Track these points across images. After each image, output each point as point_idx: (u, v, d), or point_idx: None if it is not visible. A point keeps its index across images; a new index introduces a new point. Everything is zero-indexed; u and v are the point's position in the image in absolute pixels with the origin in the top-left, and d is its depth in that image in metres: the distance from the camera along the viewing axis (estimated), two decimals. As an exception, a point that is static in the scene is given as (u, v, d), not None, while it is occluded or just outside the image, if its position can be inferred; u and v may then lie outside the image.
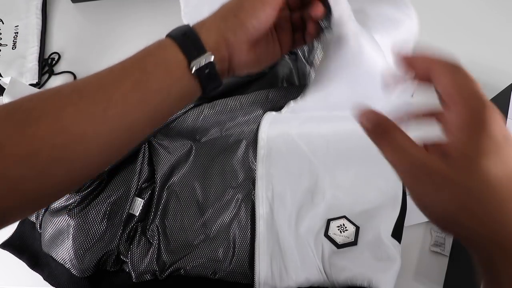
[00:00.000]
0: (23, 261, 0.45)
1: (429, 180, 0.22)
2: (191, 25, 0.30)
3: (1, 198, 0.23)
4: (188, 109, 0.51)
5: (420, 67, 0.25)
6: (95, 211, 0.44)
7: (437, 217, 0.23)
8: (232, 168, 0.50)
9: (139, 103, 0.27)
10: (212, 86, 0.30)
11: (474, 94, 0.22)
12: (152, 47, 0.29)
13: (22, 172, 0.23)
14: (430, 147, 0.25)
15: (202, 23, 0.30)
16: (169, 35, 0.29)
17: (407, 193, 0.44)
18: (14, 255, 0.46)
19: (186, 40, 0.28)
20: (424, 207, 0.24)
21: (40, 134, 0.24)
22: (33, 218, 0.47)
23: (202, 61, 0.28)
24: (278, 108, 0.50)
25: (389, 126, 0.24)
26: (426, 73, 0.24)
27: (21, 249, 0.46)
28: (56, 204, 0.45)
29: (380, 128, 0.25)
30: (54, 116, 0.24)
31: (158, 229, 0.46)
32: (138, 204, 0.47)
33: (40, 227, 0.46)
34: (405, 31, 0.42)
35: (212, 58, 0.28)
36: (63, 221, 0.44)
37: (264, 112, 0.50)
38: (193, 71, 0.28)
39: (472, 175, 0.21)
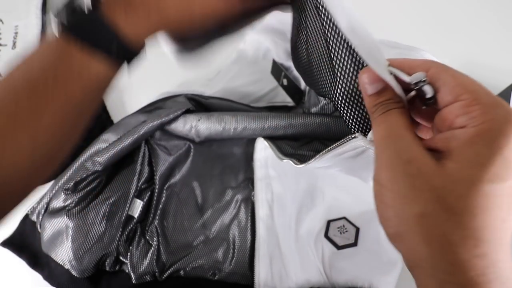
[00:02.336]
0: (23, 260, 0.45)
1: (410, 179, 0.19)
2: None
3: None
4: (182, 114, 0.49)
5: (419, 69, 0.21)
6: (94, 212, 0.44)
7: (393, 222, 0.20)
8: (231, 169, 0.50)
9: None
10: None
11: (497, 102, 0.18)
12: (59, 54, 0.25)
13: None
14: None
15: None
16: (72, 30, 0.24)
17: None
18: (15, 253, 0.46)
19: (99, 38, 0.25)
20: (384, 204, 0.21)
21: None
22: (33, 218, 0.47)
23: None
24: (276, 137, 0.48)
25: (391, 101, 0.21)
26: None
27: (21, 248, 0.46)
28: (55, 205, 0.45)
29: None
30: None
31: (157, 230, 0.46)
32: (137, 206, 0.47)
33: (40, 227, 0.46)
34: None
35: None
36: (61, 222, 0.44)
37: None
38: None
39: (466, 203, 0.17)
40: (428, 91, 0.20)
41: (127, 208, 0.46)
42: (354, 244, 0.43)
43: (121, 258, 0.45)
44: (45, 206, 0.47)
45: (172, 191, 0.49)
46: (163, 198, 0.48)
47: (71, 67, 0.24)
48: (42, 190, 0.47)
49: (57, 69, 0.24)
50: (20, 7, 0.66)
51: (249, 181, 0.48)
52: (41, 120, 0.24)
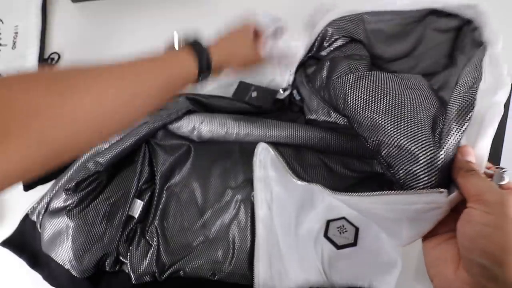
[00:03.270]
0: (23, 260, 0.46)
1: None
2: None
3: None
4: (187, 116, 0.49)
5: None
6: (94, 212, 0.44)
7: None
8: (231, 169, 0.50)
9: (161, 87, 0.34)
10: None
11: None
12: (177, 55, 0.38)
13: (59, 135, 0.25)
14: None
15: (216, 50, 0.41)
16: (191, 48, 0.39)
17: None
18: (15, 253, 0.46)
19: (202, 58, 0.39)
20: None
21: (82, 106, 0.26)
22: (34, 218, 0.47)
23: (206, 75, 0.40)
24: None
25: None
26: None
27: (21, 248, 0.46)
28: (55, 205, 0.45)
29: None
30: (97, 93, 0.27)
31: (157, 231, 0.46)
32: (138, 206, 0.47)
33: (40, 227, 0.46)
34: None
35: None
36: (62, 222, 0.44)
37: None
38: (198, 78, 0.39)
39: None
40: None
41: (127, 209, 0.46)
42: (354, 244, 0.43)
43: (121, 258, 0.45)
44: (46, 206, 0.47)
45: (172, 192, 0.49)
46: (163, 199, 0.48)
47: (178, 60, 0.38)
48: (43, 190, 0.48)
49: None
50: (20, 7, 0.66)
51: (249, 182, 0.48)
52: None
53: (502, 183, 0.26)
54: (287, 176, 0.45)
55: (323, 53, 0.48)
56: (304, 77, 0.51)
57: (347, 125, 0.43)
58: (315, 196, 0.46)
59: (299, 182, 0.43)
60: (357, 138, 0.45)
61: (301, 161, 0.47)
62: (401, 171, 0.31)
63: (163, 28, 0.49)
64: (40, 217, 0.46)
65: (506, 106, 0.45)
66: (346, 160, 0.47)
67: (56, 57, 0.63)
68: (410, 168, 0.30)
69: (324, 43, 0.47)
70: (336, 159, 0.47)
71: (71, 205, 0.44)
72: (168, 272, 0.44)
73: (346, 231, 0.43)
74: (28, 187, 0.53)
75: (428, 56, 0.45)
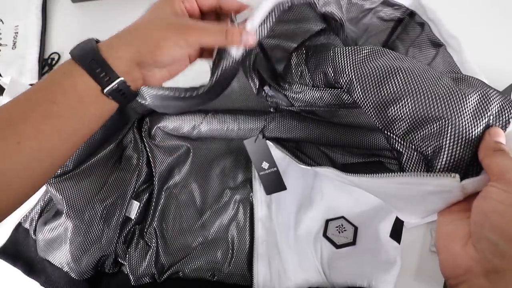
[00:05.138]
0: (18, 268, 0.45)
1: None
2: (94, 43, 0.30)
3: None
4: (186, 116, 0.49)
5: None
6: (91, 213, 0.44)
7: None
8: (230, 170, 0.50)
9: (54, 133, 0.27)
10: (127, 101, 0.31)
11: None
12: (56, 76, 0.29)
13: None
14: None
15: (110, 47, 0.29)
16: (75, 59, 0.28)
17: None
18: (9, 263, 0.46)
19: (95, 66, 0.28)
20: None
21: None
22: (26, 225, 0.48)
23: (115, 86, 0.29)
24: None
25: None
26: None
27: (15, 257, 0.46)
28: (52, 208, 0.45)
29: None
30: None
31: (156, 232, 0.46)
32: (135, 208, 0.47)
33: (35, 233, 0.46)
34: None
35: (124, 81, 0.29)
36: (59, 225, 0.44)
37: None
38: (106, 93, 0.29)
39: None
40: None
41: (124, 210, 0.46)
42: (353, 243, 0.43)
43: (119, 260, 0.45)
44: (40, 211, 0.47)
45: (171, 193, 0.49)
46: (162, 200, 0.48)
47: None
48: (34, 198, 0.48)
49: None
50: (20, 7, 0.66)
51: (248, 182, 0.48)
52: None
53: None
54: (291, 167, 0.44)
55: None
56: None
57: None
58: (314, 195, 0.46)
59: (308, 167, 0.40)
60: (356, 130, 0.46)
61: (303, 151, 0.48)
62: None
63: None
64: (34, 223, 0.47)
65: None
66: (345, 151, 0.48)
67: (56, 57, 0.63)
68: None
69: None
70: (335, 149, 0.48)
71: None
72: (167, 273, 0.44)
73: (345, 230, 0.43)
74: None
75: (368, 43, 0.48)
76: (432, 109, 0.28)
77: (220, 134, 0.48)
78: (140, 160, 0.49)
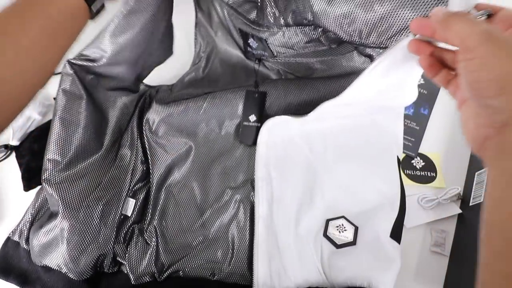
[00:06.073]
0: (10, 282, 0.45)
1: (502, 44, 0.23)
2: None
3: None
4: (189, 101, 0.51)
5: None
6: (88, 212, 0.44)
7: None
8: (231, 169, 0.50)
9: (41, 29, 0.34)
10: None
11: None
12: None
13: None
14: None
15: None
16: None
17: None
18: (1, 278, 0.45)
19: None
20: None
21: None
22: (16, 237, 0.47)
23: None
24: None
25: None
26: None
27: (6, 271, 0.45)
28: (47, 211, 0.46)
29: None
30: None
31: (156, 231, 0.46)
32: (131, 205, 0.47)
33: (27, 242, 0.46)
34: None
35: None
36: (55, 226, 0.44)
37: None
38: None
39: None
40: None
41: (120, 208, 0.46)
42: (353, 243, 0.43)
43: (118, 259, 0.45)
44: (30, 219, 0.47)
45: (171, 191, 0.49)
46: (162, 198, 0.48)
47: None
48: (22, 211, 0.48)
49: None
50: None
51: (249, 181, 0.48)
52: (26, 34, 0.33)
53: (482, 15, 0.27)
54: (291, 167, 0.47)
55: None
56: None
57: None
58: (315, 195, 0.46)
59: (310, 114, 0.46)
60: (332, 79, 0.52)
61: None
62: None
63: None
64: (26, 233, 0.46)
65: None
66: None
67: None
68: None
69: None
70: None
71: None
72: (168, 272, 0.44)
73: (345, 230, 0.43)
74: (28, 187, 0.53)
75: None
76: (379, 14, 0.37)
77: (223, 110, 0.51)
78: (134, 158, 0.48)
